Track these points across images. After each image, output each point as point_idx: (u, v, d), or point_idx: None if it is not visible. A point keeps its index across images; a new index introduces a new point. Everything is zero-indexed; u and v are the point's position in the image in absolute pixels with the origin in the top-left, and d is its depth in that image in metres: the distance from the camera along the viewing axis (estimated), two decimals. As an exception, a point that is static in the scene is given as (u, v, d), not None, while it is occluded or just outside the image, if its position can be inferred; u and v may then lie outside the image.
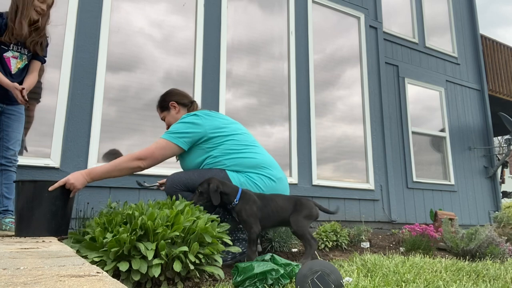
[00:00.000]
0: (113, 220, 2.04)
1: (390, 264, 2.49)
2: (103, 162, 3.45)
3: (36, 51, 2.84)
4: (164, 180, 2.88)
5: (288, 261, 2.16)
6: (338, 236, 3.54)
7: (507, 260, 3.51)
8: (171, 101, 2.78)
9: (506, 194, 8.00)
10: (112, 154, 3.62)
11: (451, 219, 4.53)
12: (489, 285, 2.13)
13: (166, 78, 4.01)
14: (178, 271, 1.83)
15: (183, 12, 4.24)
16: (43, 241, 2.19)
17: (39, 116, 3.37)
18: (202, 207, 2.26)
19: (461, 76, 7.50)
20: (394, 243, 4.13)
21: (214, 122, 2.58)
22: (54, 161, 3.24)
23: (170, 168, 3.75)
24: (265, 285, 1.88)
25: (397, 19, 6.91)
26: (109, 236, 1.89)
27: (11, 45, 2.73)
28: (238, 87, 4.45)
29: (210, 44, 4.24)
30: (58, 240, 2.27)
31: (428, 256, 3.22)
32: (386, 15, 6.35)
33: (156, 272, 1.78)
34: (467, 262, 3.08)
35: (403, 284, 1.99)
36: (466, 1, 8.12)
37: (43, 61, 2.96)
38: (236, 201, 2.38)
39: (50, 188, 2.29)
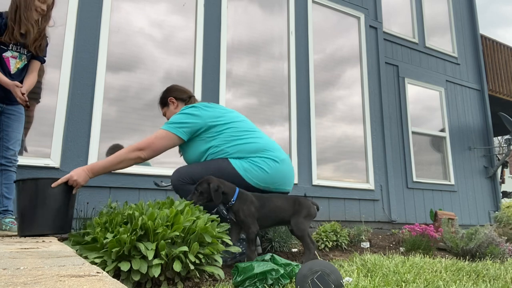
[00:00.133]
0: (113, 220, 2.05)
1: (390, 264, 2.49)
2: (103, 162, 3.45)
3: (36, 51, 2.84)
4: None
5: (288, 261, 2.17)
6: (338, 236, 3.54)
7: (507, 260, 3.51)
8: (169, 97, 2.84)
9: (506, 194, 8.00)
10: (115, 149, 3.62)
11: (451, 219, 4.53)
12: (489, 285, 2.13)
13: (166, 78, 4.01)
14: (178, 271, 1.83)
15: (183, 12, 4.24)
16: (43, 241, 2.19)
17: (39, 116, 3.37)
18: (202, 207, 2.26)
19: (461, 76, 7.50)
20: (394, 243, 4.13)
21: (213, 112, 2.61)
22: (54, 161, 3.24)
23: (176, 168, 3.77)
24: (265, 285, 1.88)
25: (397, 19, 6.91)
26: (109, 236, 1.89)
27: (11, 45, 2.73)
28: (238, 87, 4.45)
29: (210, 44, 4.24)
30: (58, 240, 2.27)
31: (428, 256, 3.22)
32: (386, 15, 6.35)
33: (156, 272, 1.78)
34: (467, 262, 3.08)
35: (403, 284, 1.99)
36: (466, 1, 8.12)
37: (42, 61, 2.96)
38: (233, 200, 2.38)
39: (53, 185, 2.30)
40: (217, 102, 4.16)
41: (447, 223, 4.22)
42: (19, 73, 2.80)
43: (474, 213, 6.76)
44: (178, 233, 1.91)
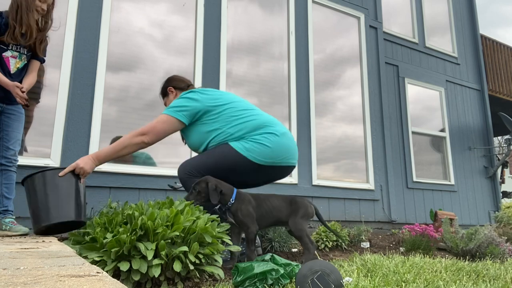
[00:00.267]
0: (113, 220, 2.05)
1: (390, 264, 2.49)
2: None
3: (36, 51, 2.84)
4: None
5: (288, 261, 2.17)
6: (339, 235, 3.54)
7: (507, 260, 3.51)
8: (168, 87, 2.91)
9: (506, 194, 8.00)
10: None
11: (451, 219, 4.53)
12: (489, 285, 2.13)
13: (166, 78, 4.01)
14: (178, 271, 1.84)
15: (183, 12, 4.24)
16: (43, 241, 2.19)
17: (39, 116, 3.36)
18: (202, 207, 2.27)
19: (461, 76, 7.50)
20: (394, 243, 4.13)
21: (211, 95, 2.67)
22: (54, 161, 3.24)
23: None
24: (265, 285, 1.88)
25: (397, 19, 6.91)
26: (109, 236, 1.89)
27: (10, 44, 2.73)
28: (238, 87, 4.45)
29: (210, 44, 4.24)
30: (58, 240, 2.27)
31: (428, 256, 3.22)
32: (386, 15, 6.35)
33: (156, 272, 1.78)
34: (467, 262, 3.08)
35: (403, 284, 1.99)
36: (466, 1, 8.12)
37: (42, 61, 2.96)
38: (232, 200, 2.38)
39: (60, 174, 2.32)
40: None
41: (447, 223, 4.22)
42: (18, 73, 2.80)
43: (474, 213, 6.76)
44: (178, 233, 1.91)
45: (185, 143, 2.84)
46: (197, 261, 1.91)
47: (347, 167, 5.15)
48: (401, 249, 3.80)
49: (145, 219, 1.91)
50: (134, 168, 3.59)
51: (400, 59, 6.55)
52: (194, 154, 3.83)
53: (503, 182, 7.43)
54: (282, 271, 1.97)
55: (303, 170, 4.55)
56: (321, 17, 5.29)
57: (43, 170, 2.37)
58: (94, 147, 3.42)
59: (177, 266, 1.82)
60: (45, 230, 2.34)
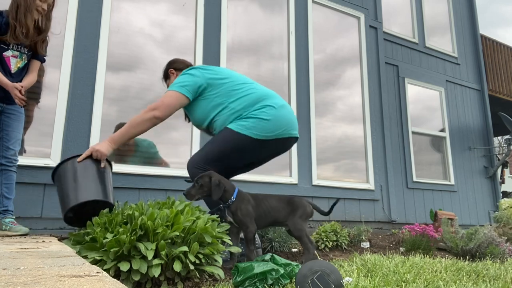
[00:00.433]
0: (113, 220, 2.05)
1: (390, 264, 2.49)
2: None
3: (36, 50, 2.84)
4: None
5: (288, 261, 2.17)
6: (338, 236, 3.54)
7: (507, 260, 3.51)
8: (169, 69, 3.00)
9: (506, 194, 8.00)
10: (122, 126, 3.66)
11: (451, 219, 4.53)
12: (489, 285, 2.13)
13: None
14: (178, 271, 1.84)
15: (183, 12, 4.24)
16: (43, 241, 2.19)
17: (39, 116, 3.36)
18: (201, 207, 2.27)
19: (461, 76, 7.49)
20: (394, 243, 4.13)
21: (210, 70, 2.75)
22: (54, 161, 3.24)
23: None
24: (265, 285, 1.88)
25: (397, 19, 6.90)
26: (109, 236, 1.89)
27: (11, 44, 2.73)
28: (238, 87, 4.44)
29: (210, 44, 4.24)
30: (58, 240, 2.27)
31: (428, 256, 3.22)
32: (386, 15, 6.35)
33: (156, 272, 1.78)
34: (467, 262, 3.08)
35: (403, 284, 1.99)
36: (466, 1, 8.12)
37: (42, 61, 2.96)
38: (233, 198, 2.38)
39: (78, 160, 2.40)
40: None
41: (447, 223, 4.22)
42: (19, 73, 2.80)
43: (474, 213, 6.76)
44: (178, 233, 1.91)
45: (188, 121, 2.93)
46: (197, 261, 1.91)
47: (347, 167, 5.15)
48: (401, 249, 3.80)
49: (145, 219, 1.91)
50: (134, 168, 3.59)
51: (400, 59, 6.55)
52: (194, 152, 3.83)
53: (503, 182, 7.43)
54: (282, 271, 1.97)
55: (303, 170, 4.55)
56: (321, 17, 5.29)
57: (64, 160, 2.47)
58: (94, 147, 3.42)
59: (177, 266, 1.82)
60: (73, 217, 2.37)
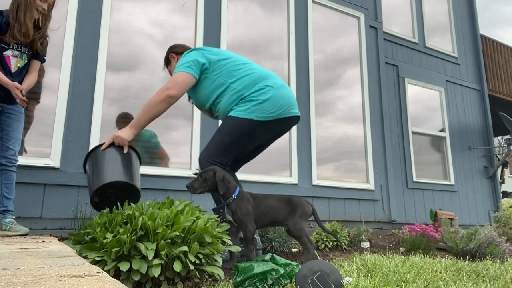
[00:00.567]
0: (113, 220, 2.05)
1: (390, 264, 2.49)
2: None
3: (36, 50, 2.84)
4: None
5: (288, 261, 2.17)
6: (338, 236, 3.54)
7: (507, 260, 3.51)
8: (170, 54, 3.06)
9: (506, 194, 7.99)
10: (125, 117, 3.68)
11: (451, 219, 4.53)
12: (489, 285, 2.13)
13: (166, 78, 4.00)
14: (178, 271, 1.84)
15: (183, 12, 4.24)
16: (43, 241, 2.19)
17: (39, 116, 3.36)
18: (201, 207, 2.27)
19: (461, 76, 7.49)
20: (394, 243, 4.13)
21: (211, 50, 2.80)
22: (54, 161, 3.24)
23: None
24: (265, 285, 1.88)
25: (397, 19, 6.90)
26: (109, 236, 1.89)
27: (11, 43, 2.73)
28: (238, 87, 4.44)
29: (210, 44, 4.24)
30: (58, 240, 2.27)
31: (428, 256, 3.22)
32: (386, 15, 6.35)
33: (156, 272, 1.78)
34: (467, 262, 3.08)
35: (403, 284, 1.99)
36: (466, 1, 8.12)
37: (42, 61, 2.96)
38: (234, 196, 2.39)
39: (102, 148, 2.50)
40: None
41: (447, 223, 4.22)
42: (19, 72, 2.80)
43: (474, 213, 6.76)
44: (178, 233, 1.91)
45: (191, 103, 2.99)
46: (197, 261, 1.91)
47: (347, 167, 5.15)
48: (401, 249, 3.80)
49: (145, 219, 1.91)
50: (134, 168, 3.58)
51: (400, 59, 6.55)
52: (194, 152, 3.83)
53: (503, 182, 7.43)
54: (282, 271, 1.97)
55: (303, 170, 4.55)
56: (321, 17, 5.29)
57: (90, 150, 2.58)
58: (94, 147, 3.42)
59: (177, 266, 1.82)
60: (100, 203, 2.45)
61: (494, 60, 8.72)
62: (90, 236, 2.02)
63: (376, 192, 5.11)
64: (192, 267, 1.88)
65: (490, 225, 4.65)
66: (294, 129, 4.60)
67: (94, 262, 1.80)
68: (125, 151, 2.55)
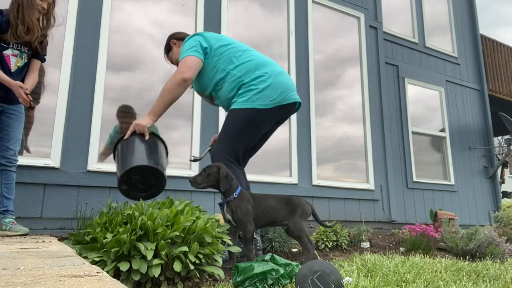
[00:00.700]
0: (113, 220, 2.05)
1: (390, 264, 2.49)
2: (103, 161, 3.45)
3: (37, 49, 2.84)
4: (212, 141, 3.09)
5: (288, 261, 2.17)
6: (338, 236, 3.54)
7: (507, 260, 3.51)
8: (171, 40, 3.08)
9: (506, 194, 7.99)
10: (125, 110, 3.68)
11: (451, 219, 4.53)
12: (489, 285, 2.13)
13: (166, 78, 4.00)
14: (178, 271, 1.84)
15: (183, 12, 4.24)
16: (43, 241, 2.19)
17: (39, 116, 3.36)
18: (201, 207, 2.27)
19: (461, 76, 7.49)
20: (394, 243, 4.13)
21: (212, 35, 2.83)
22: (54, 161, 3.24)
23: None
24: (265, 285, 1.88)
25: (397, 19, 6.90)
26: (109, 236, 1.89)
27: (11, 43, 2.73)
28: (238, 87, 4.44)
29: (210, 44, 4.24)
30: (58, 240, 2.27)
31: (428, 256, 3.22)
32: (386, 15, 6.35)
33: (156, 272, 1.78)
34: (467, 262, 3.08)
35: (403, 284, 1.99)
36: (466, 1, 8.12)
37: (43, 60, 2.96)
38: (235, 194, 2.39)
39: (125, 137, 2.54)
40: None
41: (447, 223, 4.22)
42: (19, 72, 2.80)
43: (474, 213, 6.76)
44: (178, 233, 1.91)
45: (191, 87, 2.98)
46: (197, 261, 1.91)
47: (347, 167, 5.15)
48: (401, 249, 3.80)
49: (145, 219, 1.91)
50: (134, 168, 3.58)
51: (400, 59, 6.55)
52: (194, 152, 3.83)
53: (503, 182, 7.43)
54: (282, 271, 1.97)
55: (303, 170, 4.55)
56: (321, 17, 5.29)
57: (117, 141, 2.62)
58: (95, 147, 3.42)
59: (177, 266, 1.82)
60: (128, 188, 2.50)
61: (494, 60, 8.72)
62: (90, 236, 2.02)
63: (376, 192, 5.11)
64: (192, 267, 1.88)
65: (490, 225, 4.65)
66: (294, 129, 4.60)
67: (94, 262, 1.80)
68: (147, 137, 2.57)
